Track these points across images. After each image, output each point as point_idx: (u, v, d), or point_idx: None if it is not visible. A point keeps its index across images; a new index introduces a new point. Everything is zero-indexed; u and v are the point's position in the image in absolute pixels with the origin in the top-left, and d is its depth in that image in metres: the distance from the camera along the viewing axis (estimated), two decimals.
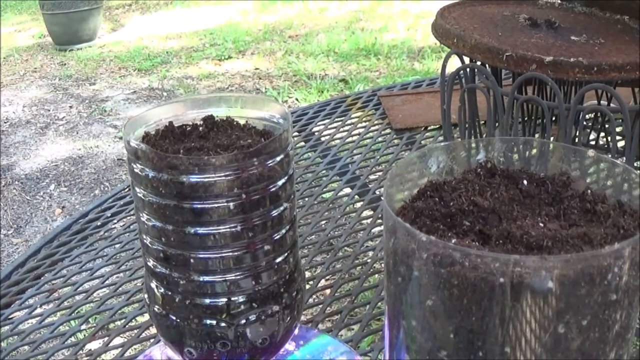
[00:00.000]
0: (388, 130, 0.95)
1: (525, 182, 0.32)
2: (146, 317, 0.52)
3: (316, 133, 0.97)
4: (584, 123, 0.71)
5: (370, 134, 0.95)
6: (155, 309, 0.45)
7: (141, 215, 0.43)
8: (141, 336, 0.58)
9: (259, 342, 0.44)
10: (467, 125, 0.61)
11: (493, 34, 0.56)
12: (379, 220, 0.73)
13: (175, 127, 0.45)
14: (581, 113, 0.55)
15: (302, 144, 0.95)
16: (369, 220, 0.73)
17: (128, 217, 0.78)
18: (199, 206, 0.40)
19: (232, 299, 0.43)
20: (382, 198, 0.38)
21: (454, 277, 0.26)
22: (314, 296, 0.63)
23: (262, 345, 0.45)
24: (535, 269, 0.25)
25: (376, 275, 0.64)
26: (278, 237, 0.43)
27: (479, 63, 0.56)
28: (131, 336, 0.59)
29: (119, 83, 3.57)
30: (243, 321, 0.43)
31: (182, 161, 0.39)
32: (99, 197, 0.92)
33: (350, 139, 0.94)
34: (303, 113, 1.04)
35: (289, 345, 0.51)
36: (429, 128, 0.95)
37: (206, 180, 0.39)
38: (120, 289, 0.65)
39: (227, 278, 0.42)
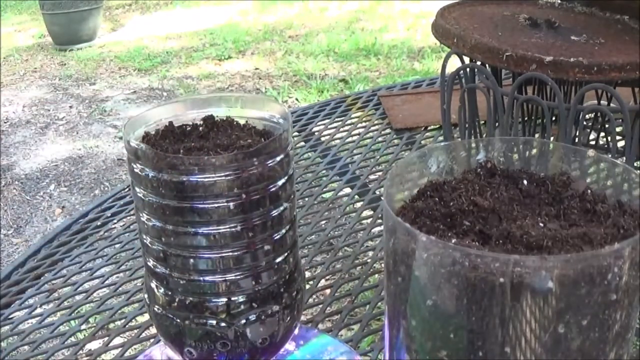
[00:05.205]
0: (388, 130, 0.95)
1: (525, 182, 0.32)
2: (146, 317, 0.52)
3: (316, 133, 0.97)
4: (584, 123, 0.71)
5: (370, 134, 0.95)
6: (155, 309, 0.45)
7: (141, 215, 0.43)
8: (141, 336, 0.58)
9: (259, 342, 0.44)
10: (467, 125, 0.61)
11: (493, 34, 0.56)
12: (379, 220, 0.73)
13: (175, 127, 0.45)
14: (581, 113, 0.55)
15: (302, 144, 0.95)
16: (369, 220, 0.73)
17: (128, 217, 0.78)
18: (199, 206, 0.40)
19: (232, 299, 0.43)
20: (382, 198, 0.38)
21: (454, 277, 0.26)
22: (314, 296, 0.63)
23: (262, 345, 0.45)
24: (535, 269, 0.25)
25: (376, 275, 0.64)
26: (278, 237, 0.43)
27: (479, 63, 0.56)
28: (131, 336, 0.59)
29: (119, 83, 3.57)
30: (243, 321, 0.43)
31: (182, 161, 0.39)
32: (99, 197, 0.92)
33: (350, 139, 0.94)
34: (303, 113, 1.04)
35: (289, 345, 0.51)
36: (429, 128, 0.95)
37: (206, 180, 0.39)
38: (120, 289, 0.65)
39: (227, 278, 0.42)
